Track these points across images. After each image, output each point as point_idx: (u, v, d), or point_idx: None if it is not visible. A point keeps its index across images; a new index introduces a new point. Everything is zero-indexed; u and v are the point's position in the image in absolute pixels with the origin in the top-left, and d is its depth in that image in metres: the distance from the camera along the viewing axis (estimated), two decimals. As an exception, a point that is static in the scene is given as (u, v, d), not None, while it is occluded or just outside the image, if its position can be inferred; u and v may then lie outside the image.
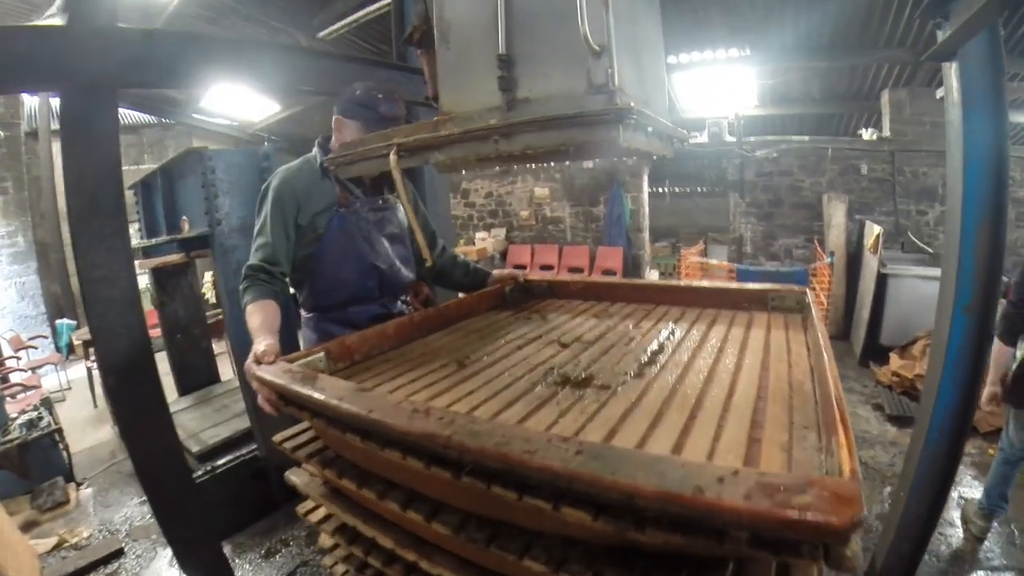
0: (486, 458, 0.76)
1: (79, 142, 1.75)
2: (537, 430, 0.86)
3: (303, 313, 2.04)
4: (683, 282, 1.91)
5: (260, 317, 1.56)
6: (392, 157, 1.26)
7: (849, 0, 5.43)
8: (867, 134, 7.53)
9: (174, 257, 3.28)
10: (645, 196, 9.00)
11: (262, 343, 1.38)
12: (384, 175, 1.38)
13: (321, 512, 1.40)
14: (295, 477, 1.43)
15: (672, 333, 1.62)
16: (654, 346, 1.47)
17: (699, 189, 12.26)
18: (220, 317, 5.53)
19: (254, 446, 3.29)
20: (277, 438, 1.33)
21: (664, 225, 11.84)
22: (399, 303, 2.09)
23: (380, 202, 2.02)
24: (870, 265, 5.92)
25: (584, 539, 0.83)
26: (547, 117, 1.03)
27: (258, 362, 1.31)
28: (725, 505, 0.58)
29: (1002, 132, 1.86)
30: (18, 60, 1.59)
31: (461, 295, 2.22)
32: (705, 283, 2.01)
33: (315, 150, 1.96)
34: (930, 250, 6.70)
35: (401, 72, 2.81)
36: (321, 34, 6.50)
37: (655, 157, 1.22)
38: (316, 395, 1.03)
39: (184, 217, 3.34)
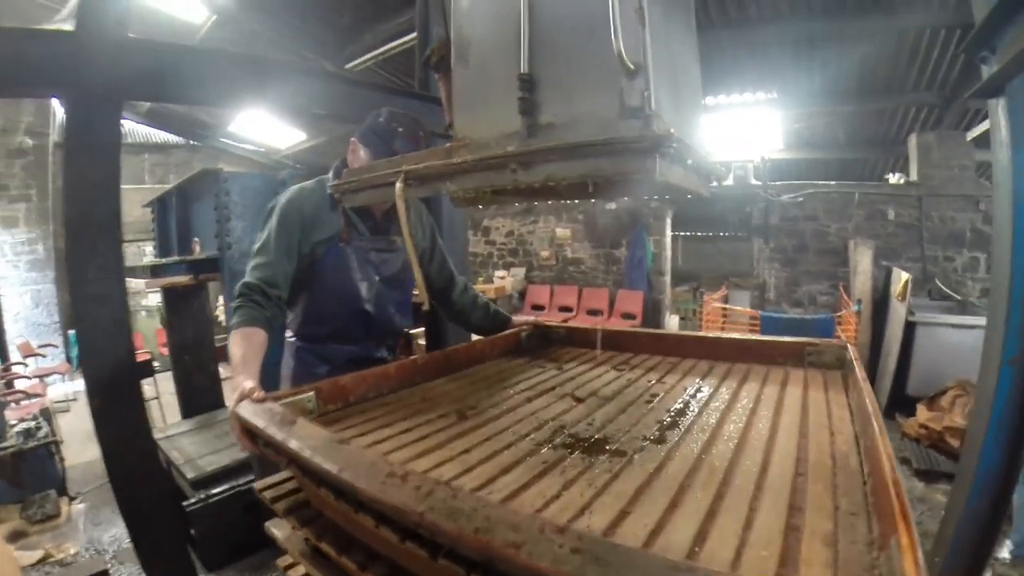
0: (463, 545, 0.63)
1: (81, 152, 1.69)
2: (528, 512, 0.71)
3: (287, 333, 1.93)
4: (711, 334, 1.77)
5: (243, 350, 1.45)
6: (398, 185, 1.15)
7: (876, 44, 5.41)
8: (894, 178, 7.39)
9: (183, 278, 3.23)
10: (668, 239, 8.89)
11: (246, 382, 1.28)
12: (396, 212, 1.27)
13: (301, 570, 1.26)
14: (276, 529, 1.29)
15: (698, 390, 1.47)
16: (678, 405, 1.33)
17: (722, 233, 12.07)
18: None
19: (251, 477, 3.16)
20: (258, 485, 1.20)
21: (686, 269, 11.69)
22: (384, 349, 1.98)
23: (386, 243, 1.91)
24: (897, 312, 5.72)
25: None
26: (573, 144, 0.90)
27: (242, 399, 1.21)
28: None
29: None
30: (23, 63, 1.55)
31: (475, 338, 2.09)
32: (735, 335, 1.87)
33: (331, 174, 1.85)
34: (958, 297, 6.52)
35: (421, 101, 2.76)
36: (349, 65, 6.61)
37: (688, 196, 1.09)
38: (290, 443, 0.91)
39: (196, 239, 3.29)
